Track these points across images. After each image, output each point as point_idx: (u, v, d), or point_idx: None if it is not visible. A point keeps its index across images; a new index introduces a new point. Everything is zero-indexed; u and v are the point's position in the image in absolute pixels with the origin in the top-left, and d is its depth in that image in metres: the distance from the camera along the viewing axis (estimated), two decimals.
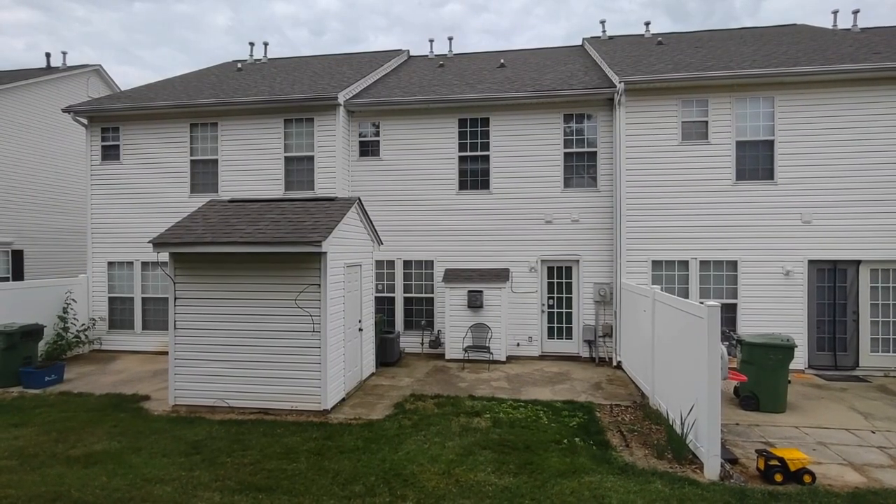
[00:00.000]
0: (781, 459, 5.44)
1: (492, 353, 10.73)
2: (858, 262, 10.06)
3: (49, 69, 17.48)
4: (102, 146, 12.54)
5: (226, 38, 75.66)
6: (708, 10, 70.50)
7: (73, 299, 11.56)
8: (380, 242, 10.27)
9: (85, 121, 12.61)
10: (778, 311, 10.16)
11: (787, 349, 7.70)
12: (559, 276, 11.47)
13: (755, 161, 10.36)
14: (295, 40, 77.44)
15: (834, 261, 10.12)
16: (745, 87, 10.30)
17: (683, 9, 70.96)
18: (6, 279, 14.40)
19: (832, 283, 10.17)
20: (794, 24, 15.15)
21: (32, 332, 9.71)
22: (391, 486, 5.26)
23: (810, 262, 10.17)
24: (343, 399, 8.23)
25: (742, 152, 10.38)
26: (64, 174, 16.37)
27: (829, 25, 14.83)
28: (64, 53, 17.70)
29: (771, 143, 10.29)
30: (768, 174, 10.31)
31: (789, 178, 10.21)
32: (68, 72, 16.98)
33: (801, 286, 10.17)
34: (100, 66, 17.87)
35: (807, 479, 5.35)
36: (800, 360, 9.76)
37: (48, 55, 17.98)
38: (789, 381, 7.84)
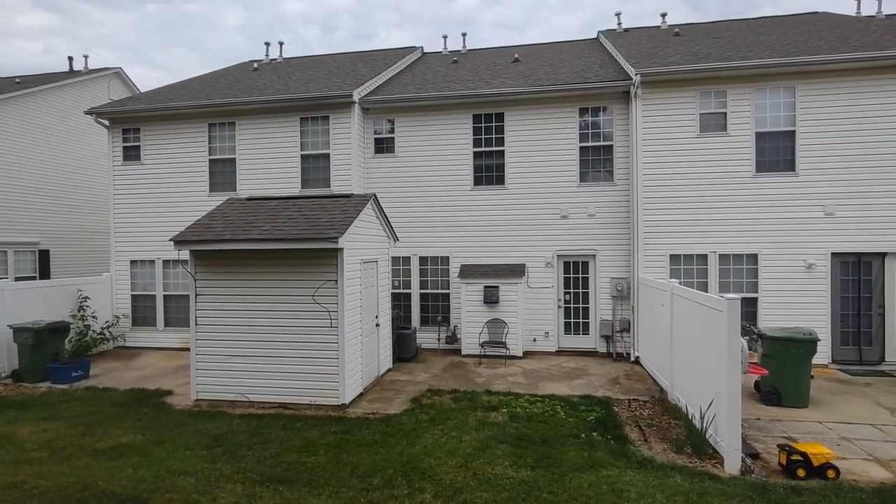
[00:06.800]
0: (804, 454, 5.35)
1: (508, 349, 10.72)
2: (884, 255, 9.82)
3: (72, 72, 17.89)
4: (124, 147, 12.80)
5: (238, 37, 76.57)
6: None
7: (86, 296, 11.73)
8: (396, 239, 10.32)
9: (107, 122, 12.88)
10: (800, 304, 9.98)
11: (810, 343, 7.57)
12: (575, 271, 11.41)
13: (776, 152, 10.17)
14: (307, 38, 78.06)
15: (858, 253, 9.90)
16: (765, 77, 10.10)
17: None
18: (33, 278, 14.80)
19: (856, 276, 9.95)
20: (816, 12, 14.80)
21: (59, 329, 9.98)
22: (409, 479, 5.30)
23: (833, 254, 9.96)
24: (361, 394, 8.31)
25: (762, 143, 10.19)
26: (87, 175, 16.74)
27: (852, 12, 14.46)
28: (85, 57, 18.13)
29: (792, 134, 10.09)
30: (789, 165, 10.12)
31: (811, 169, 10.01)
32: (90, 75, 17.35)
33: (824, 279, 9.97)
34: (120, 68, 18.23)
35: (830, 474, 5.26)
36: (823, 354, 9.58)
37: (71, 59, 18.42)
38: (812, 376, 7.70)
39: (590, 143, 11.24)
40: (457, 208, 11.75)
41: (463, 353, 11.09)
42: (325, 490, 5.12)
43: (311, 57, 17.29)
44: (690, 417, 6.49)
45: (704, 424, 5.97)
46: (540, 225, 11.39)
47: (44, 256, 15.45)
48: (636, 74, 10.31)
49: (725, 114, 10.29)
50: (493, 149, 11.63)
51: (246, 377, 7.93)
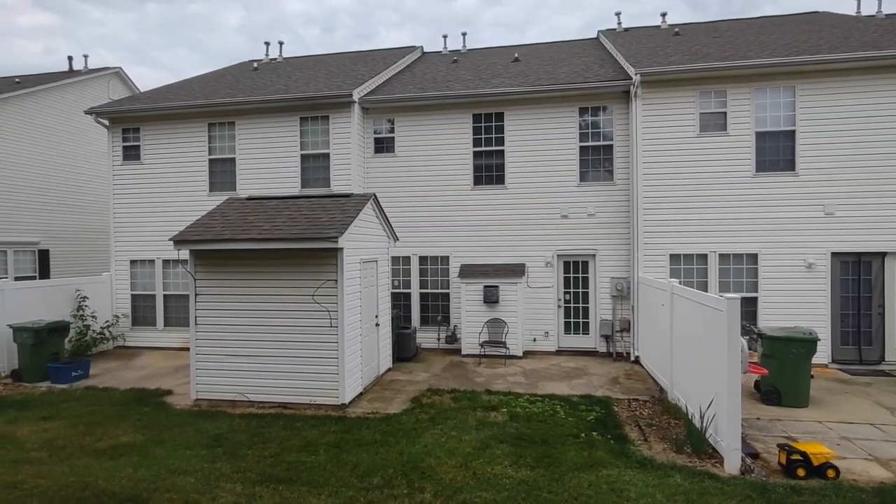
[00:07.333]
0: (804, 454, 5.35)
1: (508, 349, 10.72)
2: (884, 255, 9.82)
3: (71, 72, 17.88)
4: (123, 147, 12.80)
5: (238, 37, 76.57)
6: None
7: (84, 296, 11.71)
8: (396, 238, 10.31)
9: (106, 122, 12.88)
10: (800, 304, 9.97)
11: (810, 342, 7.57)
12: (575, 271, 11.41)
13: (776, 152, 10.17)
14: (307, 38, 78.08)
15: (858, 253, 9.90)
16: (765, 76, 10.10)
17: None
18: (33, 278, 14.79)
19: (856, 275, 9.95)
20: (816, 12, 14.80)
21: (59, 329, 9.97)
22: (409, 479, 5.30)
23: (833, 254, 9.96)
24: (361, 393, 8.31)
25: (762, 143, 10.19)
26: (87, 175, 16.73)
27: (852, 12, 14.46)
28: (85, 57, 18.12)
29: (792, 134, 10.09)
30: (789, 165, 10.11)
31: (811, 168, 10.01)
32: (90, 74, 17.34)
33: (824, 279, 9.97)
34: (120, 68, 18.22)
35: (830, 473, 5.26)
36: (823, 354, 9.58)
37: (70, 59, 18.39)
38: (812, 376, 7.70)
39: (590, 143, 11.24)
40: (457, 208, 11.74)
41: (463, 352, 11.09)
42: (325, 489, 5.12)
43: (311, 57, 17.28)
44: (690, 417, 6.49)
45: (704, 424, 5.97)
46: (540, 224, 11.39)
47: (44, 256, 15.44)
48: (636, 74, 10.31)
49: (725, 113, 10.29)
50: (493, 148, 11.63)
51: (246, 377, 7.93)
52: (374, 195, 9.27)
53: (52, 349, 9.81)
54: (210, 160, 12.36)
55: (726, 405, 5.54)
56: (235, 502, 4.93)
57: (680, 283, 8.25)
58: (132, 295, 12.66)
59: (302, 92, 11.87)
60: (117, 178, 12.81)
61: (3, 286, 10.06)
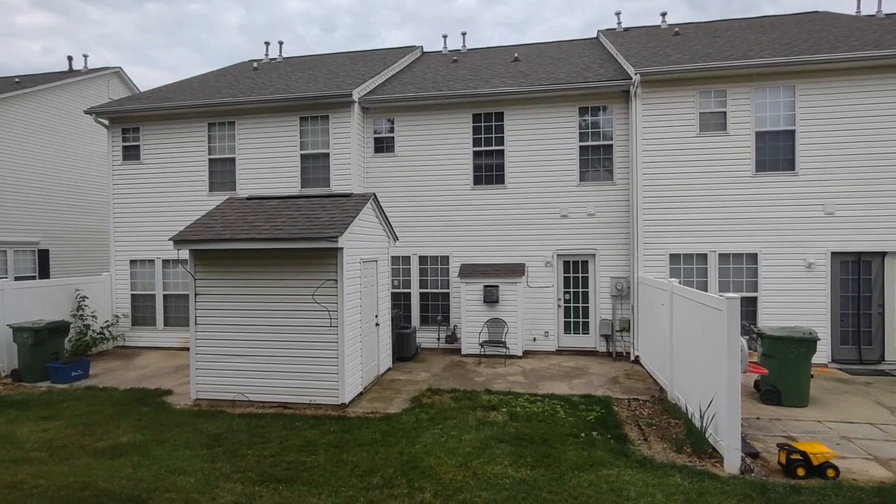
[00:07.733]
0: (804, 453, 5.35)
1: (508, 348, 10.72)
2: (884, 254, 9.82)
3: (71, 72, 17.87)
4: (123, 146, 12.80)
5: (239, 36, 76.55)
6: None
7: (84, 296, 11.69)
8: (395, 238, 10.30)
9: (106, 122, 12.88)
10: (800, 304, 9.98)
11: (810, 342, 7.56)
12: (575, 271, 11.41)
13: (775, 151, 10.17)
14: (307, 37, 78.05)
15: (858, 252, 9.90)
16: (765, 76, 10.10)
17: None
18: (33, 278, 14.79)
19: (856, 275, 9.95)
20: (816, 12, 14.80)
21: (59, 329, 9.97)
22: (409, 478, 5.30)
23: (833, 253, 9.96)
24: (361, 393, 8.31)
25: (762, 143, 10.19)
26: (87, 174, 16.74)
27: (852, 11, 14.46)
28: (85, 56, 18.11)
29: (792, 133, 10.09)
30: (789, 165, 10.11)
31: (811, 168, 10.01)
32: (89, 74, 17.33)
33: (824, 279, 9.97)
34: (120, 68, 18.21)
35: (830, 473, 5.26)
36: (823, 353, 9.58)
37: (70, 58, 18.38)
38: (811, 375, 7.70)
39: (590, 143, 11.24)
40: (457, 208, 11.74)
41: (463, 352, 11.09)
42: (325, 489, 5.12)
43: (311, 56, 17.28)
44: (690, 417, 6.49)
45: (704, 423, 5.97)
46: (540, 224, 11.39)
47: (43, 256, 15.44)
48: (636, 74, 10.31)
49: (725, 113, 10.29)
50: (493, 148, 11.63)
51: (246, 377, 7.93)
52: (374, 195, 9.26)
53: (52, 349, 9.81)
54: (210, 160, 12.36)
55: (726, 405, 5.54)
56: (235, 502, 4.93)
57: (680, 282, 8.25)
58: (132, 295, 12.66)
59: (302, 92, 11.87)
60: (117, 178, 12.81)
61: (2, 286, 10.05)
